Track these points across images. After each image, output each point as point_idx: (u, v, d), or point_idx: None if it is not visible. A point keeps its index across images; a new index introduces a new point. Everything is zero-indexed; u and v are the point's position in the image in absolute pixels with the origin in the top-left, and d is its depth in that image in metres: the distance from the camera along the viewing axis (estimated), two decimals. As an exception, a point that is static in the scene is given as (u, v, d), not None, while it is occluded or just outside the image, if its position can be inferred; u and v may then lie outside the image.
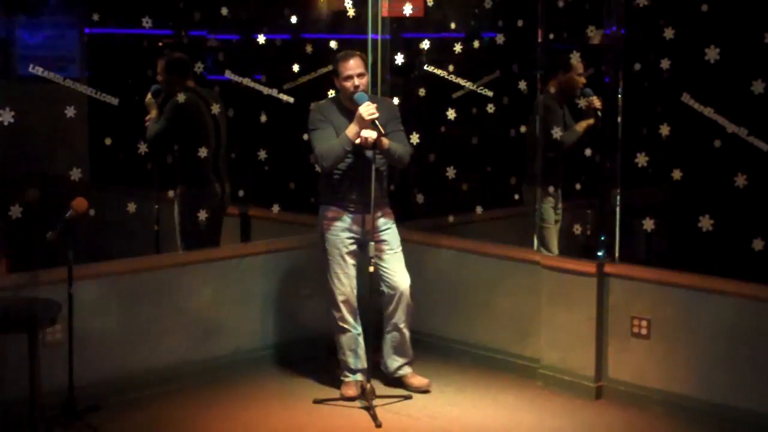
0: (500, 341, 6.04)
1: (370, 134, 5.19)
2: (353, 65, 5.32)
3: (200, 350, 5.78)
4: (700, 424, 5.13)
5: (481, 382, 5.84)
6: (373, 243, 5.30)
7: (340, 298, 5.49)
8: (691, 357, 5.22)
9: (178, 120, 5.89)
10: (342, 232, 5.43)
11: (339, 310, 5.50)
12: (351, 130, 5.24)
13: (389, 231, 5.52)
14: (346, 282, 5.48)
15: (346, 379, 5.57)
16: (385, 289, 5.54)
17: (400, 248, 5.56)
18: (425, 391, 5.55)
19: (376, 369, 5.60)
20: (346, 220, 5.42)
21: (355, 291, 5.51)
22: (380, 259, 5.46)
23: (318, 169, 5.57)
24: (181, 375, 5.65)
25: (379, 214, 5.45)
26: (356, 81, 5.29)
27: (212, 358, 5.83)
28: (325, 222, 5.47)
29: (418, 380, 5.62)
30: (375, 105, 5.22)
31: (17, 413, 4.79)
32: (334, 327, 5.57)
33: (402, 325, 5.56)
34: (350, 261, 5.47)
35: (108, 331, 5.39)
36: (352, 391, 5.49)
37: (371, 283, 5.35)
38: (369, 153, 5.26)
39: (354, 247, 5.47)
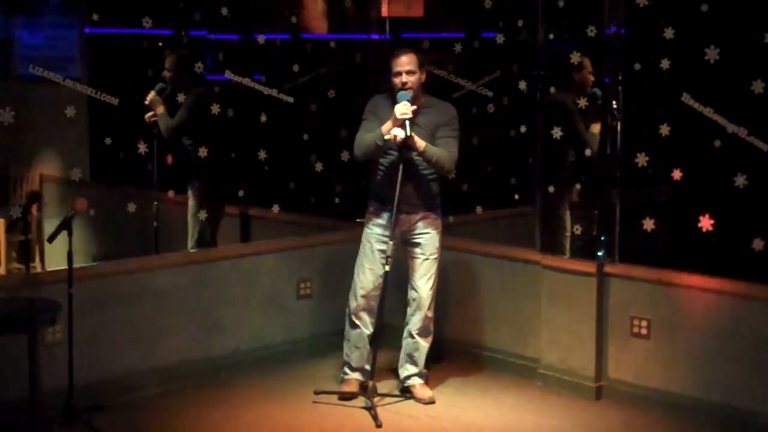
0: (500, 341, 6.04)
1: (398, 132, 5.22)
2: (403, 61, 5.32)
3: (200, 350, 5.78)
4: (700, 424, 5.13)
5: (481, 382, 5.84)
6: (390, 241, 5.29)
7: (360, 292, 5.48)
8: (691, 357, 5.22)
9: (201, 111, 5.88)
10: (377, 227, 5.45)
11: (356, 301, 5.48)
12: (386, 126, 5.28)
13: (426, 236, 5.47)
14: (371, 278, 5.46)
15: (346, 377, 5.57)
16: (409, 291, 5.55)
17: (434, 256, 5.49)
18: (429, 403, 5.47)
19: (379, 370, 5.59)
20: (384, 217, 5.43)
21: (379, 290, 5.46)
22: (411, 260, 5.50)
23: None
24: (181, 375, 5.65)
25: (419, 216, 5.45)
26: (404, 77, 5.29)
27: (212, 358, 5.83)
28: (366, 215, 5.54)
29: (421, 392, 5.52)
30: (413, 108, 5.22)
31: (17, 413, 4.78)
32: (347, 319, 5.56)
33: (415, 333, 5.53)
34: (381, 258, 5.44)
35: (108, 331, 5.39)
36: (351, 388, 5.49)
37: (386, 282, 5.34)
38: (407, 154, 5.28)
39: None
